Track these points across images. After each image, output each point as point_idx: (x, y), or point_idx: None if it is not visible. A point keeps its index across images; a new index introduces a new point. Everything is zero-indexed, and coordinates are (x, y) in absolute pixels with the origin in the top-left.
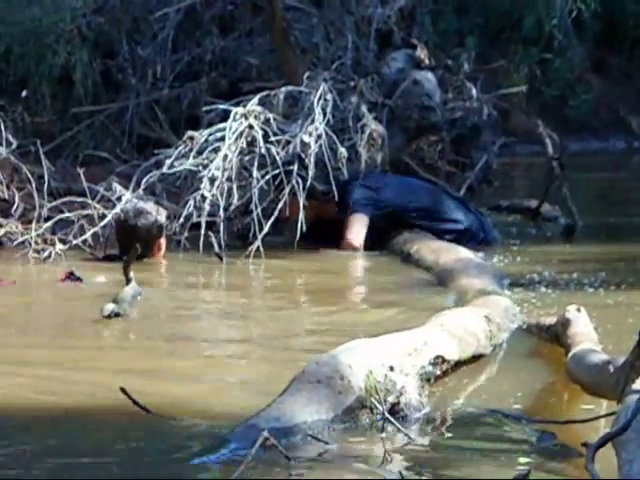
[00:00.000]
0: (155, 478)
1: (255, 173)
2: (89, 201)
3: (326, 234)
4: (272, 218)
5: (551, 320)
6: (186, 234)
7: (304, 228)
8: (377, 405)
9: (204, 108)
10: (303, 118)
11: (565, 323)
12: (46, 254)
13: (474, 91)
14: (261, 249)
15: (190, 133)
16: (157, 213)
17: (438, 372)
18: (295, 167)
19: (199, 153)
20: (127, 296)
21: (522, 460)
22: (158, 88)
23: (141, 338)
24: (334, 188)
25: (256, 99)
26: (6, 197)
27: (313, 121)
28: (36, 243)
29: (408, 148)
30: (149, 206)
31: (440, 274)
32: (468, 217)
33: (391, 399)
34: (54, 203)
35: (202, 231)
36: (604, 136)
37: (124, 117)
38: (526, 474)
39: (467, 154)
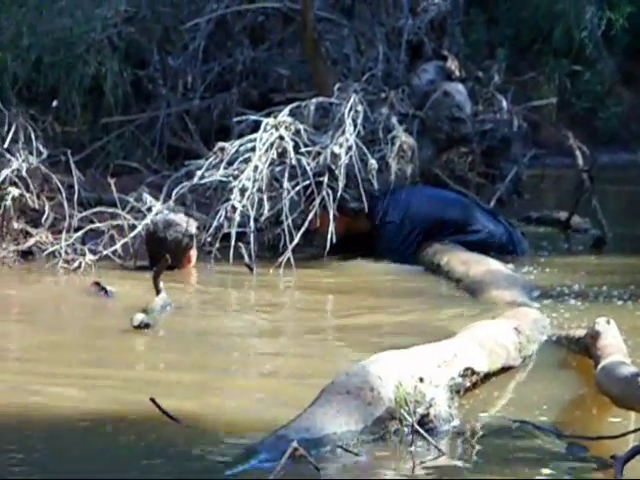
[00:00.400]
0: None
1: (286, 184)
2: (119, 211)
3: (357, 247)
4: (302, 229)
5: (580, 332)
6: (217, 245)
7: (334, 240)
8: (406, 416)
9: (235, 119)
10: (334, 129)
11: (594, 335)
12: (76, 264)
13: (504, 103)
14: (291, 260)
15: (221, 144)
16: (187, 225)
17: (468, 384)
18: (325, 178)
19: (229, 164)
20: (157, 307)
21: (551, 472)
22: (189, 98)
23: (170, 349)
24: (365, 205)
25: (287, 110)
26: (36, 207)
27: (344, 132)
28: (66, 253)
29: (438, 160)
30: (179, 218)
31: (470, 286)
32: (498, 229)
33: (421, 410)
34: (84, 213)
35: (232, 242)
36: (634, 149)
37: (154, 127)
38: None
39: (497, 166)
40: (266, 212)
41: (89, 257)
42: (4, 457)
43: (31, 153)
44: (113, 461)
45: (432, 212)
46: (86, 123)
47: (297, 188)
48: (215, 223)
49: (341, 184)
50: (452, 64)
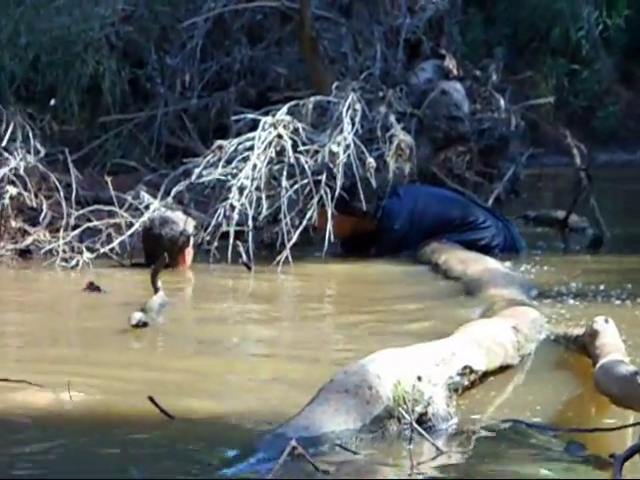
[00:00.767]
0: None
1: (284, 182)
2: (117, 209)
3: (363, 245)
4: (300, 227)
5: (579, 331)
6: (215, 244)
7: (332, 239)
8: (405, 415)
9: (233, 117)
10: (332, 128)
11: (593, 334)
12: (74, 262)
13: (502, 102)
14: (289, 258)
15: (219, 142)
16: (184, 224)
17: (466, 382)
18: (324, 177)
19: (228, 162)
20: (155, 305)
21: (549, 471)
22: (186, 97)
23: (168, 347)
24: (373, 206)
25: (285, 109)
26: (34, 205)
27: (342, 131)
28: (64, 251)
29: (436, 158)
30: (176, 216)
31: (468, 284)
32: (496, 227)
33: (419, 409)
34: (81, 211)
35: (231, 240)
36: (631, 148)
37: (152, 126)
38: None
39: (495, 165)
40: (264, 211)
41: (86, 255)
42: None
43: (29, 152)
44: (109, 461)
45: (438, 211)
46: (84, 122)
47: (295, 187)
48: (214, 222)
49: (339, 183)
50: (450, 63)
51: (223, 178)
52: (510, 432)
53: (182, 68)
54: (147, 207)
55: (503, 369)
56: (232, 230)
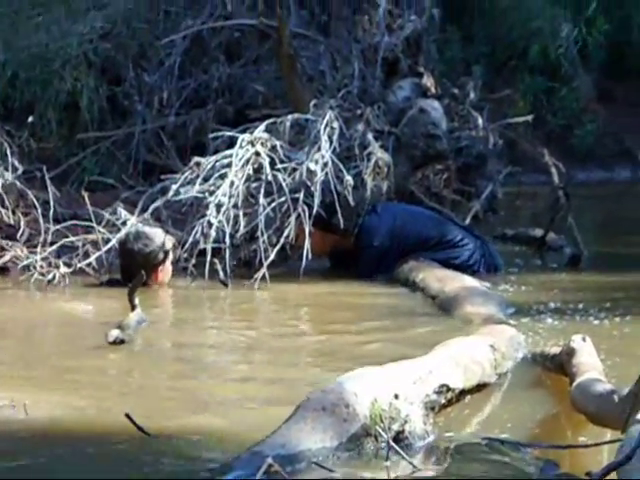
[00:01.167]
0: None
1: (261, 200)
2: (94, 225)
3: (343, 263)
4: (278, 245)
5: (556, 349)
6: (193, 261)
7: (309, 257)
8: (382, 433)
9: (210, 135)
10: (309, 146)
11: (570, 352)
12: (50, 276)
13: (480, 120)
14: (267, 276)
15: (196, 159)
16: (160, 240)
17: (443, 401)
18: (301, 195)
19: (205, 180)
20: (132, 322)
21: None
22: (164, 115)
23: (145, 365)
24: (353, 224)
25: (263, 126)
26: (12, 222)
27: (319, 149)
28: (41, 267)
29: (414, 176)
30: (153, 232)
31: (445, 302)
32: (474, 245)
33: (396, 427)
34: (59, 226)
35: (208, 258)
36: (609, 166)
37: (130, 143)
38: None
39: (473, 183)
40: (242, 228)
41: (63, 269)
42: None
43: (6, 169)
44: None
45: (416, 229)
46: (62, 139)
47: (273, 204)
48: (191, 239)
49: (317, 201)
50: (428, 81)
51: (200, 195)
52: (486, 450)
53: (160, 85)
54: (124, 223)
55: (480, 387)
56: (209, 247)
